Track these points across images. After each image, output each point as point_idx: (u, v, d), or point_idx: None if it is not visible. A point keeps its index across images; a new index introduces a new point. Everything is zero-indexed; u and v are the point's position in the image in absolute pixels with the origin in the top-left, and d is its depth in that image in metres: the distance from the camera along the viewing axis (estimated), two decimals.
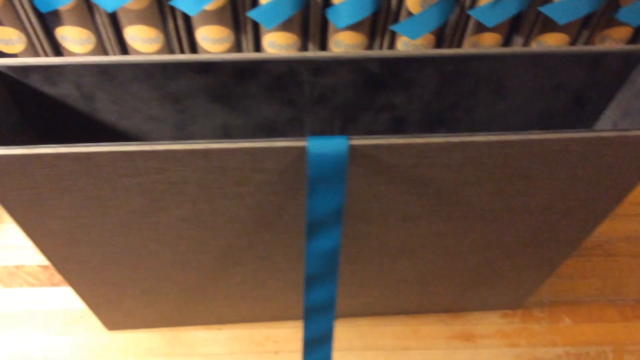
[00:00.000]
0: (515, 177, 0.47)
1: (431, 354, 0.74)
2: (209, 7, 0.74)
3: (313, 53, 0.47)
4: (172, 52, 0.83)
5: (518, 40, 0.80)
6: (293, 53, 0.47)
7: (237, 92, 0.50)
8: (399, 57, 0.48)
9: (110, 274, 0.60)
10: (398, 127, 0.56)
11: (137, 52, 0.82)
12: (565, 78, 0.51)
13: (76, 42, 0.81)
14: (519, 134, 0.43)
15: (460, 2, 0.75)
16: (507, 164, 0.46)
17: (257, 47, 0.82)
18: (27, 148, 0.42)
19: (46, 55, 0.82)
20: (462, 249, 0.58)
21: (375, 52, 0.47)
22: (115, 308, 0.70)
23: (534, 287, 0.71)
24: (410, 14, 0.74)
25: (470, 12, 0.73)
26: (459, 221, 0.52)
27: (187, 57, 0.47)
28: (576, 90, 0.53)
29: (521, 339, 0.75)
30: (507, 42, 0.82)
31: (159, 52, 0.83)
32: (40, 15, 0.78)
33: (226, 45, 0.82)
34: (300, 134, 0.56)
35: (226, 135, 0.55)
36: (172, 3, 0.72)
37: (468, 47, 0.47)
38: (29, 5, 0.75)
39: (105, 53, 0.85)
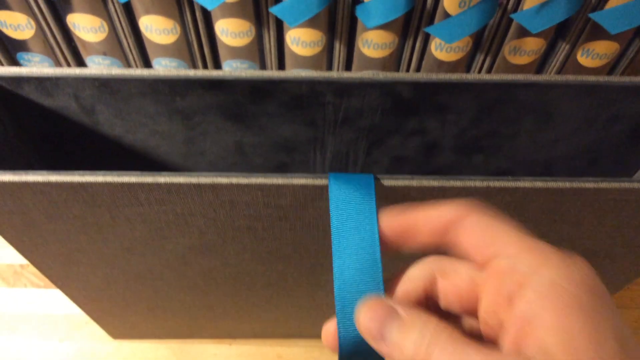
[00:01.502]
0: (561, 223, 0.42)
1: None
2: None
3: (337, 74, 0.42)
4: (189, 44, 0.78)
5: (563, 46, 0.73)
6: (315, 73, 0.42)
7: (253, 110, 0.45)
8: (434, 81, 0.42)
9: (112, 292, 0.56)
10: (429, 152, 0.50)
11: (152, 43, 0.77)
12: (621, 109, 0.45)
13: (88, 30, 0.76)
14: (570, 181, 0.37)
15: (502, 4, 0.68)
16: (554, 210, 0.40)
17: (280, 42, 0.77)
18: (15, 174, 0.37)
19: (56, 42, 0.77)
20: None
21: (407, 75, 0.42)
22: (120, 320, 0.66)
23: None
24: (447, 14, 0.68)
25: (513, 16, 0.67)
26: None
27: (197, 73, 0.42)
28: (632, 123, 0.47)
29: None
30: (551, 47, 0.75)
31: (175, 44, 0.78)
32: (50, 1, 0.73)
33: (247, 39, 0.77)
34: (321, 155, 0.51)
35: (240, 152, 0.50)
36: None
37: (513, 75, 0.42)
38: None
39: (119, 42, 0.80)
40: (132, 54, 0.78)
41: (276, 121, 0.47)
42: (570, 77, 0.42)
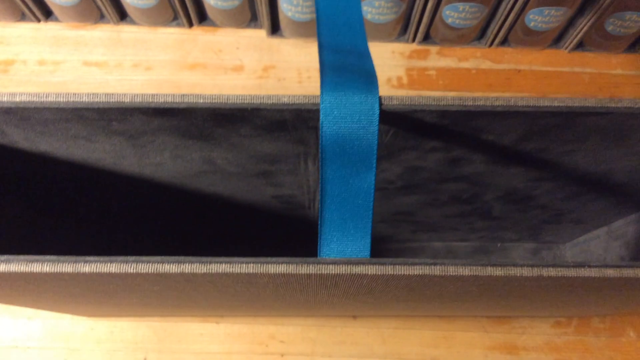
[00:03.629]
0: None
1: None
2: None
3: None
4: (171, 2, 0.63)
5: None
6: (302, 97, 0.30)
7: (220, 132, 0.34)
8: (470, 110, 0.30)
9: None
10: (454, 164, 0.39)
11: None
12: None
13: None
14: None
15: None
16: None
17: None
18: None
19: None
20: None
21: (431, 101, 0.30)
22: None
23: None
24: None
25: None
26: None
27: (135, 99, 0.29)
28: None
29: (574, 353, 0.63)
30: None
31: (155, 7, 0.64)
32: None
33: (234, 2, 0.63)
34: (314, 165, 0.39)
35: (209, 163, 0.39)
36: None
37: (581, 99, 0.29)
38: None
39: (94, 2, 0.66)
40: None
41: (253, 141, 0.35)
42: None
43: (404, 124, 0.32)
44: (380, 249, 0.65)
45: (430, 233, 0.60)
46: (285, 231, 0.57)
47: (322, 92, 0.29)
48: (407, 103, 0.29)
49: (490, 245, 0.65)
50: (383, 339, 0.64)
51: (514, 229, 0.58)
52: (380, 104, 0.29)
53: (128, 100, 0.29)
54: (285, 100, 0.29)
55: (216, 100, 0.29)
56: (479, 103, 0.29)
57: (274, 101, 0.29)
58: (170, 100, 0.29)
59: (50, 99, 0.29)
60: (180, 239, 0.59)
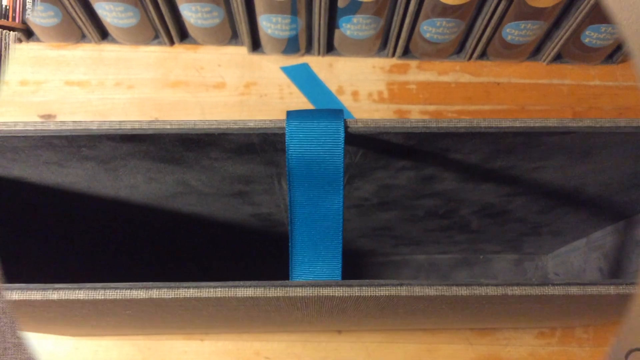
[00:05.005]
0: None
1: None
2: None
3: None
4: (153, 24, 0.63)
5: None
6: (268, 122, 0.30)
7: (190, 156, 0.34)
8: (434, 132, 0.30)
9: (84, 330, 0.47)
10: (426, 181, 0.39)
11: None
12: None
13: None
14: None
15: None
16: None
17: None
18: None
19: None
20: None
21: (396, 124, 0.30)
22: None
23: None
24: None
25: None
26: None
27: (102, 126, 0.30)
28: None
29: None
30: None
31: (136, 26, 0.65)
32: None
33: (214, 20, 0.64)
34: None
35: (184, 184, 0.39)
36: None
37: (542, 120, 0.30)
38: None
39: (75, 22, 0.67)
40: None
41: (224, 163, 0.35)
42: (621, 121, 0.30)
43: (372, 146, 0.33)
44: (362, 263, 0.65)
45: (412, 246, 0.61)
46: (267, 247, 0.58)
47: (288, 117, 0.30)
48: (372, 126, 0.30)
49: (473, 257, 0.65)
50: (368, 353, 0.64)
51: (494, 241, 0.58)
52: (346, 127, 0.30)
53: (95, 127, 0.30)
54: (252, 124, 0.30)
55: (183, 126, 0.30)
56: (441, 125, 0.30)
57: (240, 126, 0.30)
58: (137, 126, 0.30)
59: (18, 127, 0.29)
60: (162, 258, 0.59)
